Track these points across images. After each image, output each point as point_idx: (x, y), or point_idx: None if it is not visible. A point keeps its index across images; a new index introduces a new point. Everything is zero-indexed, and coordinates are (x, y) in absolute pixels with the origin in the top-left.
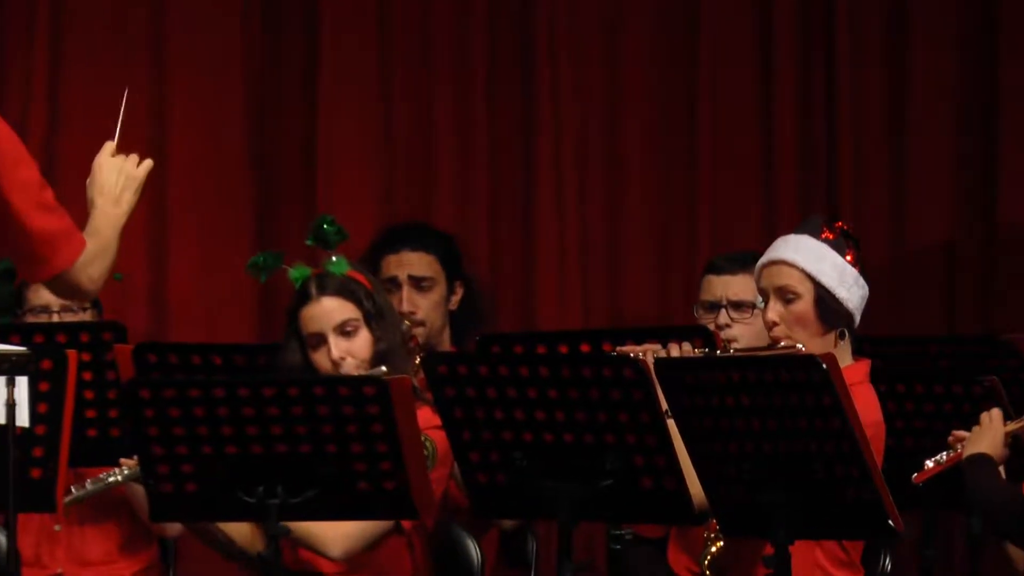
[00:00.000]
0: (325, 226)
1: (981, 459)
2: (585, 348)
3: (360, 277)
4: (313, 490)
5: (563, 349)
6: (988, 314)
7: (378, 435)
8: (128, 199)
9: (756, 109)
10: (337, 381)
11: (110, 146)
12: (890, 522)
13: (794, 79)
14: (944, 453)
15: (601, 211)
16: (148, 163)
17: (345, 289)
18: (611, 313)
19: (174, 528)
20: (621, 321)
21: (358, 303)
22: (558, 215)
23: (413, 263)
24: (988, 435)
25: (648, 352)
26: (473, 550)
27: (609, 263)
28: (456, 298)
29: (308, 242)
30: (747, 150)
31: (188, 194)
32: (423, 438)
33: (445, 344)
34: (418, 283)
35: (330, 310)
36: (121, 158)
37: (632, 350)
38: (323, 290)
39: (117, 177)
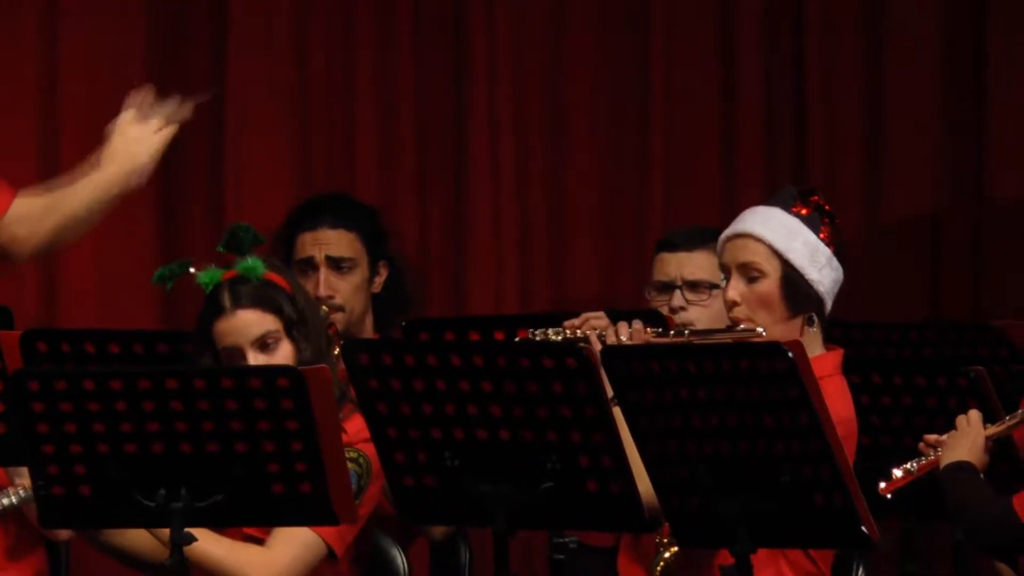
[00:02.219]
0: (240, 233)
1: (962, 468)
2: (523, 335)
3: (278, 279)
4: (221, 493)
5: (499, 336)
6: (976, 297)
7: (293, 432)
8: (128, 163)
9: (716, 72)
10: (248, 372)
11: (131, 112)
12: (864, 530)
13: (758, 40)
14: (915, 460)
15: (541, 182)
16: (169, 130)
17: (262, 298)
18: (552, 296)
19: (65, 531)
20: (563, 304)
21: (278, 312)
22: (493, 186)
23: (332, 242)
24: (967, 440)
25: (593, 331)
26: (400, 561)
27: (550, 240)
28: (380, 280)
29: (220, 248)
30: (705, 116)
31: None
32: (356, 454)
33: (367, 331)
34: (337, 264)
35: (247, 323)
36: (138, 123)
37: (576, 326)
38: (238, 301)
39: (124, 141)
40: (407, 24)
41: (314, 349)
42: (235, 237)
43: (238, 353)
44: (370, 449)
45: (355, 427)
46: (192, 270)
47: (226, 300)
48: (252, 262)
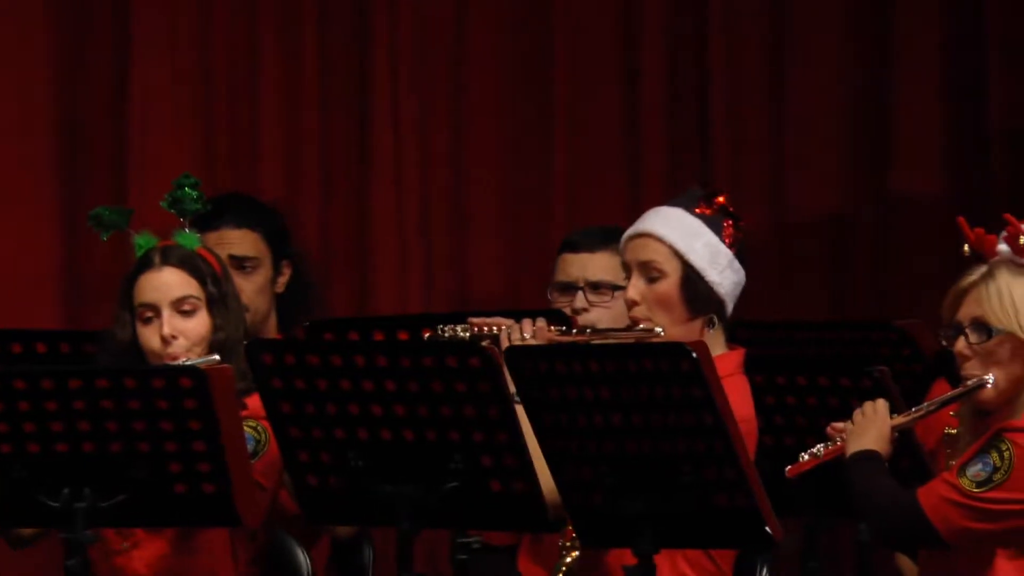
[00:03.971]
0: (187, 188)
1: (868, 456)
2: (427, 334)
3: (210, 257)
4: (124, 493)
5: (402, 336)
6: (879, 298)
7: (196, 432)
8: None
9: (619, 71)
10: (151, 372)
11: None
12: (767, 529)
13: (662, 40)
14: (821, 445)
15: (444, 181)
16: None
17: (191, 264)
18: (455, 296)
19: None
20: (467, 304)
21: (202, 282)
22: (396, 185)
23: (234, 241)
24: (873, 428)
25: (499, 326)
26: (302, 560)
27: (453, 240)
28: (283, 280)
29: (163, 204)
30: (609, 115)
31: None
32: (255, 423)
33: (271, 331)
34: (241, 264)
35: (170, 282)
36: None
37: (482, 323)
38: (167, 259)
39: None
40: (311, 23)
41: (229, 336)
42: (180, 191)
43: (154, 310)
44: (269, 425)
45: (256, 403)
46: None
47: (156, 257)
48: (190, 235)
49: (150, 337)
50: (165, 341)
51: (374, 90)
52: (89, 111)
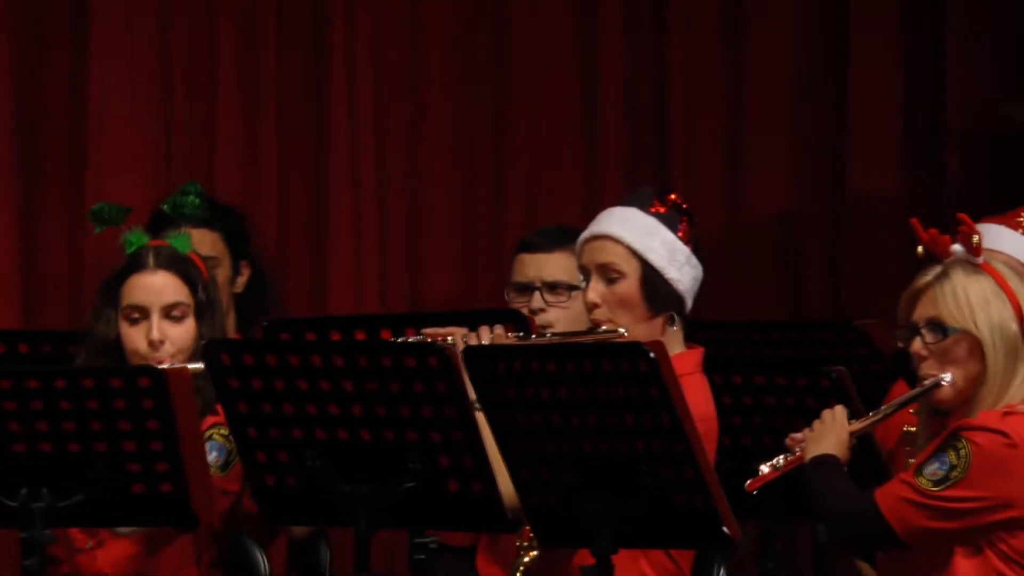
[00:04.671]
0: (190, 195)
1: (826, 461)
2: (384, 335)
3: (200, 263)
4: (82, 493)
5: (360, 336)
6: (837, 297)
7: (154, 432)
8: None
9: (576, 72)
10: (108, 372)
11: None
12: (725, 530)
13: (619, 42)
14: (781, 456)
15: (401, 182)
16: None
17: (184, 270)
18: (412, 296)
19: None
20: (423, 305)
21: (193, 289)
22: (353, 187)
23: (194, 241)
24: (832, 434)
25: (456, 335)
26: (260, 560)
27: (409, 240)
28: (242, 280)
29: (164, 208)
30: (566, 117)
31: None
32: (227, 433)
33: (229, 331)
34: None
35: (163, 286)
36: None
37: (436, 333)
38: (160, 262)
39: None
40: (270, 25)
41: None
42: (184, 198)
43: (142, 313)
44: None
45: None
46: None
47: (150, 258)
48: (184, 237)
49: (136, 338)
50: (152, 345)
51: (331, 92)
52: (47, 112)
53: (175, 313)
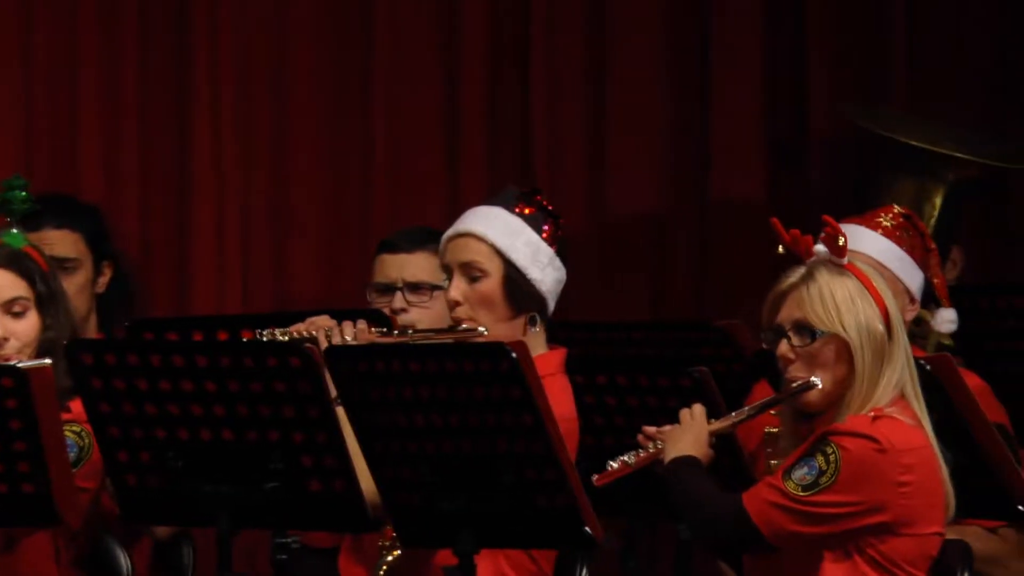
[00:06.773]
0: (16, 189)
1: (687, 462)
2: (246, 335)
3: (37, 256)
4: None
5: (222, 336)
6: (701, 298)
7: (16, 432)
8: None
9: (440, 73)
10: None
11: None
12: (587, 529)
13: (483, 43)
14: (632, 453)
15: (264, 182)
16: None
17: (19, 264)
18: (275, 296)
19: None
20: (286, 305)
21: (31, 282)
22: (216, 186)
23: (55, 242)
24: (691, 434)
25: (320, 330)
26: (122, 561)
27: (272, 240)
28: (103, 280)
29: None
30: (429, 117)
31: None
32: (79, 428)
33: (91, 331)
34: (61, 264)
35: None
36: None
37: (301, 328)
38: None
39: None
40: (131, 25)
41: (59, 335)
42: (9, 192)
43: None
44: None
45: (80, 407)
46: None
47: None
48: (16, 233)
49: None
50: None
51: (194, 92)
52: None
53: (15, 308)
